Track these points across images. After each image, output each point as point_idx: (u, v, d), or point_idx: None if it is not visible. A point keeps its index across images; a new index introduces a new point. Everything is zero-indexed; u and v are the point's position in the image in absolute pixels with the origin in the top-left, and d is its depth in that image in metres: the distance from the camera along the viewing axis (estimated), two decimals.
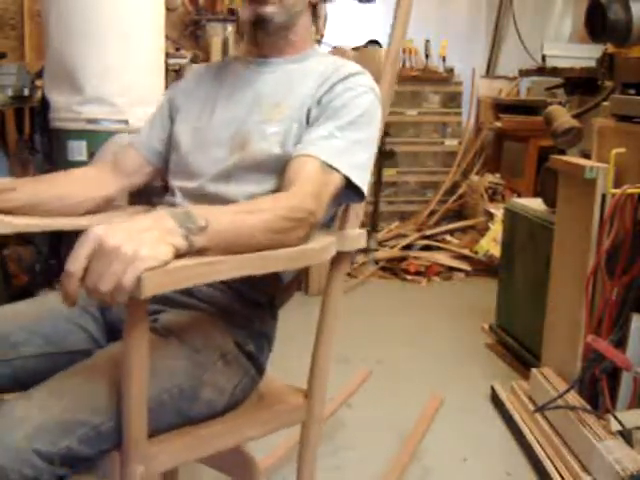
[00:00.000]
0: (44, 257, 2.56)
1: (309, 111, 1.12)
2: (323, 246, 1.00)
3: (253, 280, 1.07)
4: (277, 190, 1.07)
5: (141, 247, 0.75)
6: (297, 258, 0.97)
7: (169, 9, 3.12)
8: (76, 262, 0.75)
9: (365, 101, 1.12)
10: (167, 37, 2.41)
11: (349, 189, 1.09)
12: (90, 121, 2.27)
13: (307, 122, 1.12)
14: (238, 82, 1.21)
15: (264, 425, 1.09)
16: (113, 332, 1.13)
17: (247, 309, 1.12)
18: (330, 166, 1.04)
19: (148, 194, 1.31)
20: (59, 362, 1.04)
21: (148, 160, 1.27)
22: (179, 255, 0.79)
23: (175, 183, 1.20)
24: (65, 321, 1.11)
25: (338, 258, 1.08)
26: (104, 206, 1.25)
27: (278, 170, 1.09)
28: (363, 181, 1.09)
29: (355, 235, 1.11)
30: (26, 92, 2.75)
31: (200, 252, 0.82)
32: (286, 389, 1.17)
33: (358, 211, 1.15)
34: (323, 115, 1.10)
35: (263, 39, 1.18)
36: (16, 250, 2.71)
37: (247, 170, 1.12)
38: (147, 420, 0.87)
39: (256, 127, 1.13)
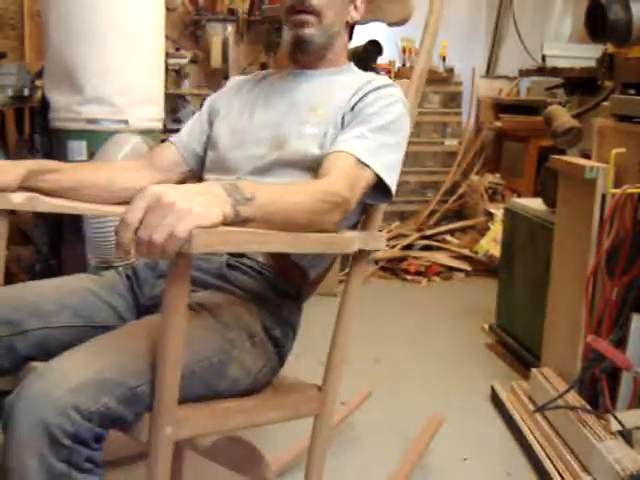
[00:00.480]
0: (44, 257, 2.56)
1: (343, 116, 1.20)
2: (351, 237, 1.07)
3: (284, 272, 1.19)
4: None
5: (195, 206, 0.79)
6: (328, 243, 1.04)
7: (169, 9, 3.12)
8: (134, 212, 0.79)
9: (395, 109, 1.20)
10: (167, 37, 2.41)
11: (377, 189, 1.16)
12: (90, 121, 2.26)
13: (341, 126, 1.19)
14: (275, 89, 1.30)
15: (281, 410, 1.13)
16: (143, 311, 1.16)
17: (277, 297, 1.17)
18: (363, 163, 1.11)
19: None
20: (87, 335, 1.06)
21: (186, 160, 1.34)
22: (226, 223, 0.83)
23: (211, 177, 1.26)
24: (94, 298, 1.15)
25: (359, 256, 1.13)
26: None
27: (313, 169, 1.16)
28: (392, 181, 1.16)
29: (376, 236, 1.17)
30: (26, 92, 2.75)
31: (245, 222, 0.87)
32: (300, 383, 1.21)
33: (380, 215, 1.23)
34: (355, 120, 1.18)
35: (302, 57, 1.27)
36: (16, 250, 2.71)
37: (283, 168, 1.19)
38: (179, 381, 0.90)
39: (294, 128, 1.21)
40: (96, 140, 2.25)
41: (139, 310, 1.18)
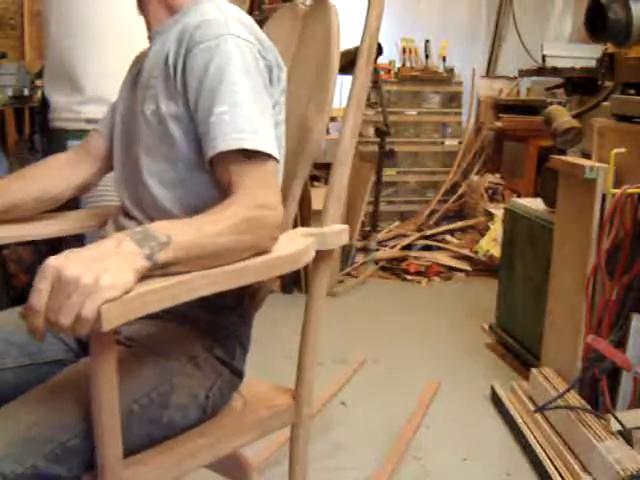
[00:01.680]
0: (44, 257, 2.56)
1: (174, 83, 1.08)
2: (300, 250, 0.94)
3: None
4: None
5: (101, 276, 0.72)
6: (274, 265, 0.92)
7: None
8: (37, 297, 0.72)
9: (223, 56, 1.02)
10: None
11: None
12: (90, 121, 2.26)
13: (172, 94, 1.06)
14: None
15: (250, 432, 1.07)
16: (85, 346, 1.09)
17: (211, 315, 1.08)
18: (246, 150, 0.96)
19: None
20: (37, 374, 1.03)
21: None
22: (144, 276, 0.77)
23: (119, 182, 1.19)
24: None
25: (319, 257, 1.03)
26: (84, 191, 1.25)
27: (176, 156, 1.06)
28: (266, 139, 0.98)
29: (337, 231, 1.05)
30: (26, 92, 2.75)
31: (165, 267, 0.79)
32: (273, 392, 1.14)
33: (338, 203, 1.09)
34: (194, 96, 1.03)
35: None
36: (16, 250, 2.71)
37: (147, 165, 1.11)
38: (120, 436, 0.83)
39: (137, 108, 1.12)
40: None
41: (83, 343, 1.10)
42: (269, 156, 0.97)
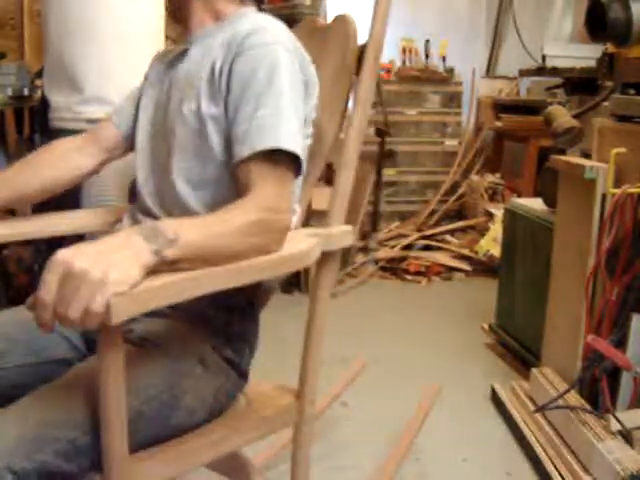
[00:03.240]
0: (44, 257, 2.56)
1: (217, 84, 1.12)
2: (305, 250, 0.96)
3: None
4: None
5: (110, 270, 0.72)
6: (280, 263, 0.93)
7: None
8: (47, 290, 0.73)
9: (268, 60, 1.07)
10: (167, 37, 2.40)
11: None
12: (90, 121, 2.25)
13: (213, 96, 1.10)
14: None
15: (253, 431, 1.07)
16: (94, 341, 1.09)
17: (222, 314, 1.09)
18: (270, 151, 0.99)
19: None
20: (41, 372, 1.03)
21: (125, 137, 1.27)
22: (151, 271, 0.78)
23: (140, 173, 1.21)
24: None
25: (324, 258, 1.05)
26: (86, 178, 1.28)
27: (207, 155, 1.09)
28: (298, 144, 1.01)
29: (342, 232, 1.07)
30: (26, 92, 2.75)
31: (173, 264, 0.80)
32: (276, 391, 1.15)
33: (342, 205, 1.10)
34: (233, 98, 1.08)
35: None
36: (16, 250, 2.71)
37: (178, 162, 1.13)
38: (128, 434, 0.84)
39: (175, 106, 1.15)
40: None
41: (92, 337, 1.10)
42: (294, 164, 1.01)
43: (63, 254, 0.74)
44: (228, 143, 1.04)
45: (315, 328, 1.10)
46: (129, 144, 1.27)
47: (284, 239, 0.94)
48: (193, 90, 1.08)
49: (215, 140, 1.05)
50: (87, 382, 0.90)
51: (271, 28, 1.07)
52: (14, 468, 0.80)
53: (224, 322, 1.09)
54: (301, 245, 0.96)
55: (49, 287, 0.73)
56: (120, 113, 1.29)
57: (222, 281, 0.85)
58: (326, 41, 1.22)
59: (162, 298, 0.78)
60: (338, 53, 1.16)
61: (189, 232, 0.83)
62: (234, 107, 1.03)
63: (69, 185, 1.26)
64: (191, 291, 0.81)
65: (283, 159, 0.99)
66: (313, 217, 3.08)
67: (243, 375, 1.12)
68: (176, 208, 1.09)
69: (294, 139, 1.00)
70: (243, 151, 0.99)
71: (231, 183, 1.03)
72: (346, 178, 1.11)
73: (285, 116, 1.00)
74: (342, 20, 1.19)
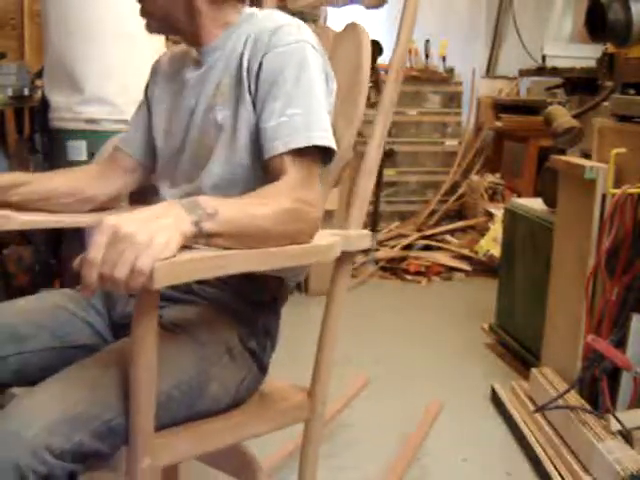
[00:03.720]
0: (44, 257, 2.56)
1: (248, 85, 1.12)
2: (329, 244, 1.00)
3: (258, 280, 1.10)
4: None
5: (155, 235, 0.76)
6: (304, 254, 0.97)
7: None
8: (95, 250, 0.76)
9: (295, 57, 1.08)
10: (167, 37, 2.41)
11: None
12: (90, 121, 2.26)
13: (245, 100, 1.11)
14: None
15: (268, 422, 1.10)
16: (118, 328, 1.14)
17: (251, 308, 1.12)
18: (299, 149, 1.01)
19: (145, 194, 1.32)
20: (64, 357, 1.05)
21: (139, 162, 1.28)
22: (189, 240, 0.81)
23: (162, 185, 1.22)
24: (70, 315, 1.12)
25: (342, 258, 1.08)
26: (112, 203, 1.28)
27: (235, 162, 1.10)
28: (329, 136, 1.04)
29: (360, 235, 1.11)
30: (26, 92, 2.75)
31: (210, 238, 0.83)
32: (288, 388, 1.17)
33: (361, 210, 1.15)
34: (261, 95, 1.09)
35: None
36: (16, 250, 2.71)
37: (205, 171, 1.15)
38: (156, 414, 0.88)
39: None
40: (96, 140, 2.25)
41: (117, 325, 1.15)
42: (322, 156, 1.03)
43: (110, 219, 0.77)
44: (254, 139, 1.06)
45: (329, 329, 1.12)
46: (147, 169, 1.28)
47: (315, 231, 0.97)
48: (223, 96, 1.09)
49: (246, 144, 1.07)
50: (121, 362, 0.92)
51: (295, 25, 1.08)
52: (52, 447, 0.82)
53: (251, 315, 1.12)
54: (326, 240, 1.00)
55: (98, 247, 0.75)
56: (129, 140, 1.28)
57: (261, 262, 0.89)
58: (338, 49, 1.25)
59: (203, 271, 0.81)
60: (352, 62, 1.19)
61: (228, 209, 0.85)
62: (261, 105, 1.04)
63: (98, 202, 1.26)
64: (232, 267, 0.85)
65: (313, 153, 1.01)
66: (324, 218, 3.09)
67: (264, 369, 1.14)
68: None
69: (327, 134, 1.03)
70: (276, 147, 1.01)
71: (257, 182, 1.04)
72: (366, 184, 1.16)
73: (315, 114, 1.02)
74: (354, 29, 1.22)
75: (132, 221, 0.77)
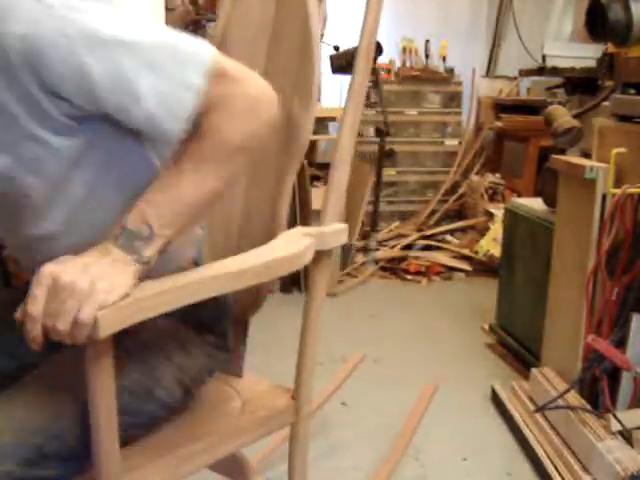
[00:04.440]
0: None
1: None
2: (299, 252, 0.93)
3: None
4: None
5: (97, 281, 0.72)
6: (272, 267, 0.90)
7: (169, 9, 3.12)
8: (35, 303, 0.71)
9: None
10: None
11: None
12: None
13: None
14: None
15: (249, 433, 1.06)
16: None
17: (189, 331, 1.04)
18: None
19: None
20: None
21: None
22: (142, 273, 0.76)
23: None
24: None
25: (318, 258, 1.02)
26: None
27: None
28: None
29: (336, 231, 1.03)
30: None
31: (160, 252, 0.78)
32: (272, 391, 1.14)
33: (336, 203, 1.05)
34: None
35: None
36: None
37: None
38: (118, 442, 0.82)
39: None
40: None
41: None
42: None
43: (49, 267, 0.72)
44: None
45: (310, 327, 1.08)
46: None
47: (260, 94, 0.81)
48: None
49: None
50: (49, 384, 0.87)
51: None
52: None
53: (193, 341, 1.04)
54: (294, 247, 0.94)
55: (36, 300, 0.71)
56: None
57: (214, 288, 0.83)
58: (282, 11, 1.12)
59: (151, 309, 0.76)
60: (299, 26, 1.05)
61: (161, 208, 0.78)
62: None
63: None
64: (183, 300, 0.79)
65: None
66: (313, 217, 3.08)
67: (221, 348, 1.08)
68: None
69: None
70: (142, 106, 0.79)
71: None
72: (340, 175, 1.06)
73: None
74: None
75: (72, 267, 0.72)
